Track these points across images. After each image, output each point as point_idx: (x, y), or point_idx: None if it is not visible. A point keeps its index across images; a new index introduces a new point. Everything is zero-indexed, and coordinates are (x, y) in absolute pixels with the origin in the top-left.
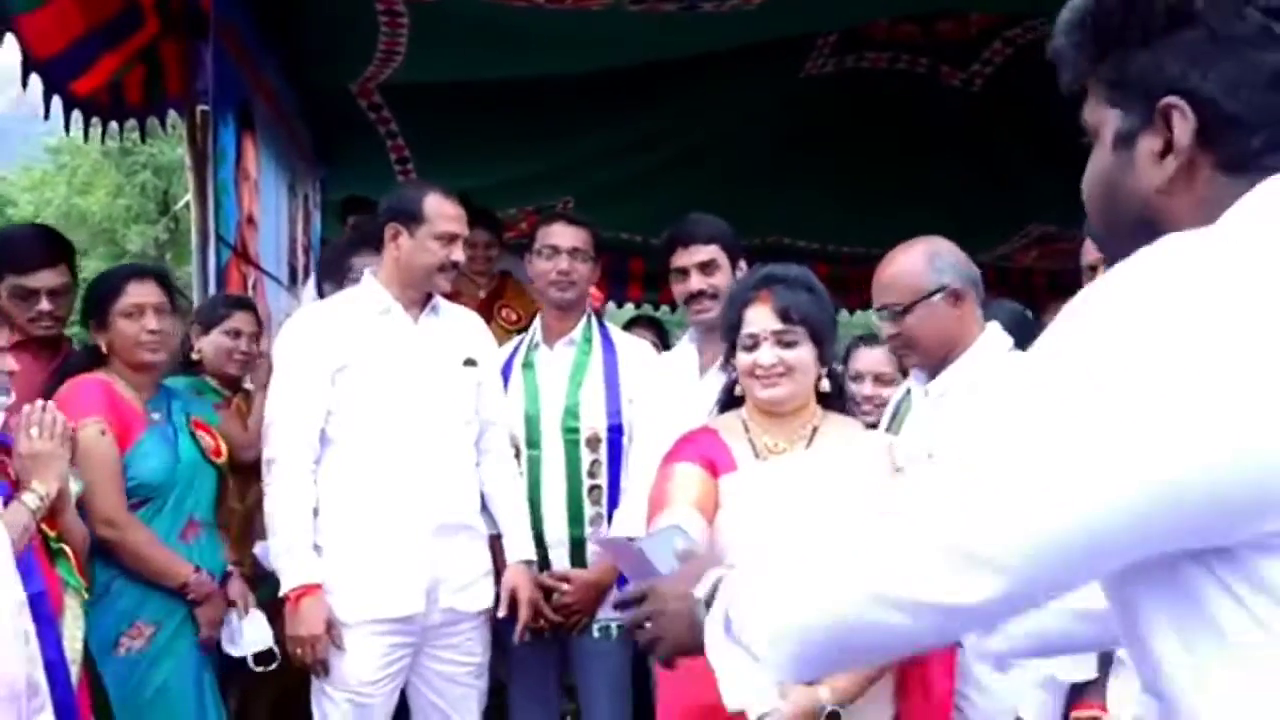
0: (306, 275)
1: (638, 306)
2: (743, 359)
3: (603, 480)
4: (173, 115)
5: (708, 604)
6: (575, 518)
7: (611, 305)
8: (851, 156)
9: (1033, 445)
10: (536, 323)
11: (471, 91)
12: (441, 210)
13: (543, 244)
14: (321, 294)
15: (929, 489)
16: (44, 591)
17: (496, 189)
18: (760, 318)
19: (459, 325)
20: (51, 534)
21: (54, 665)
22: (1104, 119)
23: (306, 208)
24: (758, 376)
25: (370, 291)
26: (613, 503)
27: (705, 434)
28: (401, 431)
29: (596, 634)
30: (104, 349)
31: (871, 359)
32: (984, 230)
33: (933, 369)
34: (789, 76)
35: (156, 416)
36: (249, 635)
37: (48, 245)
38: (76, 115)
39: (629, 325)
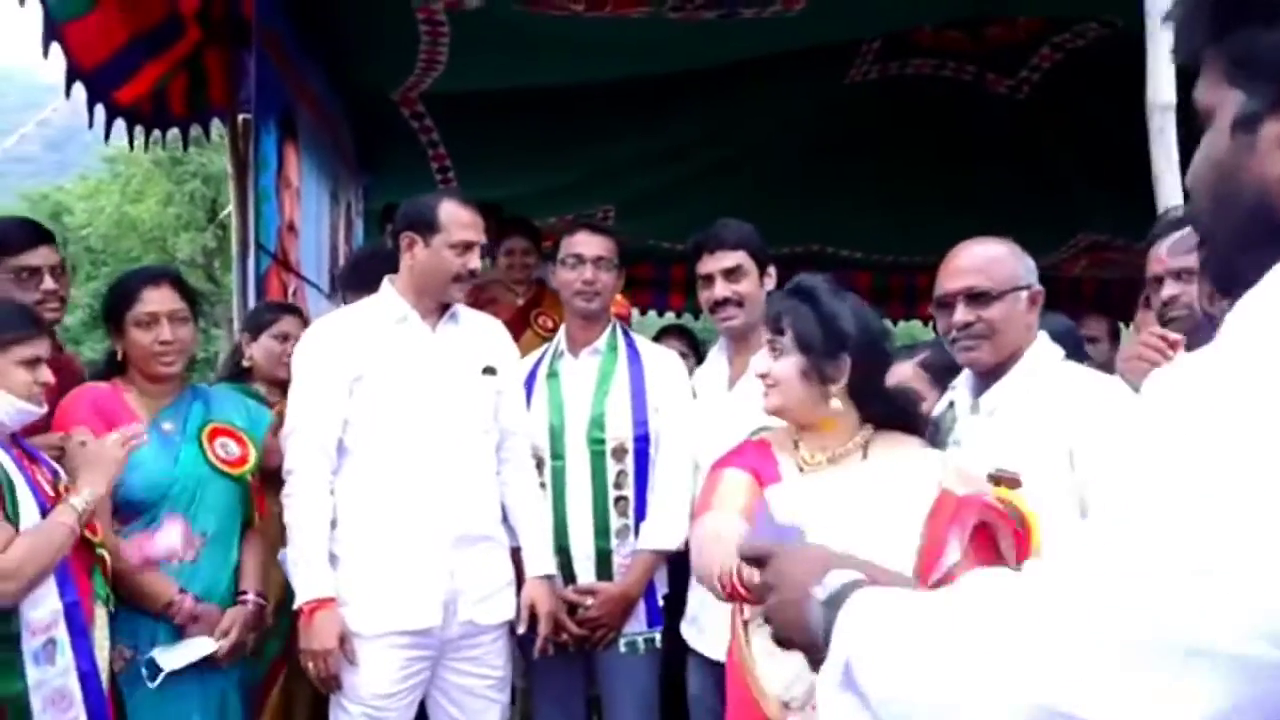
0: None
1: (679, 315)
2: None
3: (629, 491)
4: (217, 124)
5: (828, 606)
6: (601, 530)
7: (653, 314)
8: (894, 164)
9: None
10: (561, 332)
11: (511, 100)
12: (457, 218)
13: (567, 253)
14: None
15: (1110, 565)
16: (78, 601)
17: (536, 197)
18: (765, 327)
19: (478, 333)
20: (95, 539)
21: (87, 676)
22: (1222, 99)
23: (349, 215)
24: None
25: (387, 300)
26: (639, 514)
27: (758, 445)
28: (418, 441)
29: (623, 649)
30: (119, 356)
31: (899, 374)
32: (1031, 239)
33: (985, 375)
34: (832, 83)
35: (168, 426)
36: (179, 653)
37: (34, 226)
38: (118, 125)
39: (660, 335)
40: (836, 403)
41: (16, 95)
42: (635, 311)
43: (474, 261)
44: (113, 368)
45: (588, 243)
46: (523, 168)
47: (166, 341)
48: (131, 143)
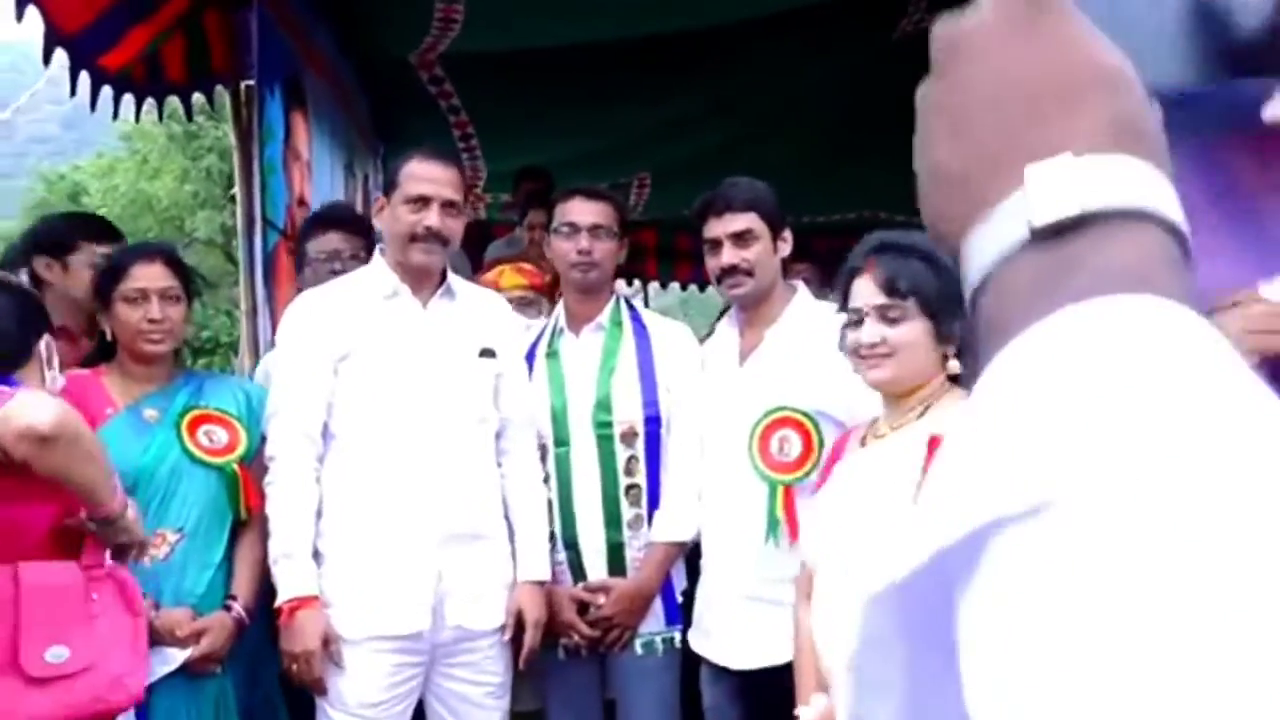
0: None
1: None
2: (848, 337)
3: (641, 478)
4: (223, 93)
5: None
6: (612, 520)
7: (694, 289)
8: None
9: None
10: (559, 308)
11: (536, 61)
12: (414, 171)
13: (560, 221)
14: None
15: None
16: None
17: (567, 164)
18: (864, 290)
19: (476, 310)
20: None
21: None
22: None
23: (366, 189)
24: (862, 357)
25: (378, 273)
26: (653, 503)
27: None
28: (406, 428)
29: (640, 650)
30: (110, 336)
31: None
32: None
33: None
34: (881, 36)
35: (151, 413)
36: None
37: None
38: (127, 101)
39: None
40: (955, 364)
41: (34, 72)
42: (676, 286)
43: (432, 218)
44: (103, 350)
45: (582, 209)
46: (551, 133)
47: (155, 320)
48: (138, 114)
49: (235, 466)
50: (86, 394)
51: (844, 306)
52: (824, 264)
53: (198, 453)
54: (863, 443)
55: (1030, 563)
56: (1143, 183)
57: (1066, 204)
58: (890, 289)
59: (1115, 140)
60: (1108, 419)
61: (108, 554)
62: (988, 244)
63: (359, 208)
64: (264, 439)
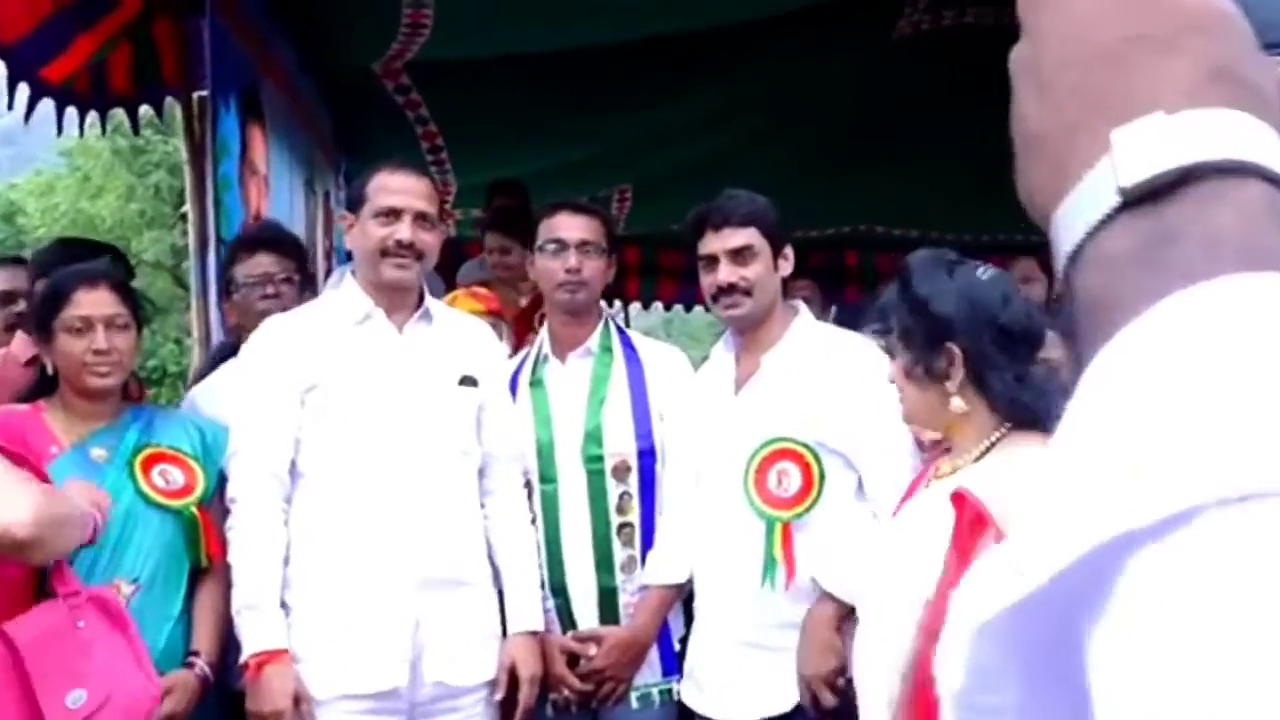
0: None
1: (708, 310)
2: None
3: (634, 516)
4: (174, 105)
5: None
6: (604, 563)
7: (679, 309)
8: (953, 130)
9: None
10: (543, 333)
11: (510, 68)
12: (383, 183)
13: (546, 238)
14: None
15: None
16: None
17: (542, 177)
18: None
19: (456, 336)
20: None
21: None
22: None
23: (327, 206)
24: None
25: (349, 295)
26: (647, 542)
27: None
28: (381, 464)
29: (636, 703)
30: (50, 369)
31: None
32: None
33: None
34: (878, 37)
35: (99, 452)
36: None
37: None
38: (67, 113)
39: None
40: (958, 402)
41: None
42: (659, 305)
43: (403, 231)
44: (43, 385)
45: (570, 224)
46: (526, 144)
47: (100, 351)
48: (81, 128)
49: (194, 509)
50: (26, 432)
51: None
52: (818, 280)
53: (153, 495)
54: (926, 484)
55: (1193, 583)
56: (1244, 135)
57: (1158, 162)
58: (883, 321)
59: (1212, 91)
60: (1260, 418)
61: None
62: (1077, 213)
63: (319, 226)
64: (223, 479)
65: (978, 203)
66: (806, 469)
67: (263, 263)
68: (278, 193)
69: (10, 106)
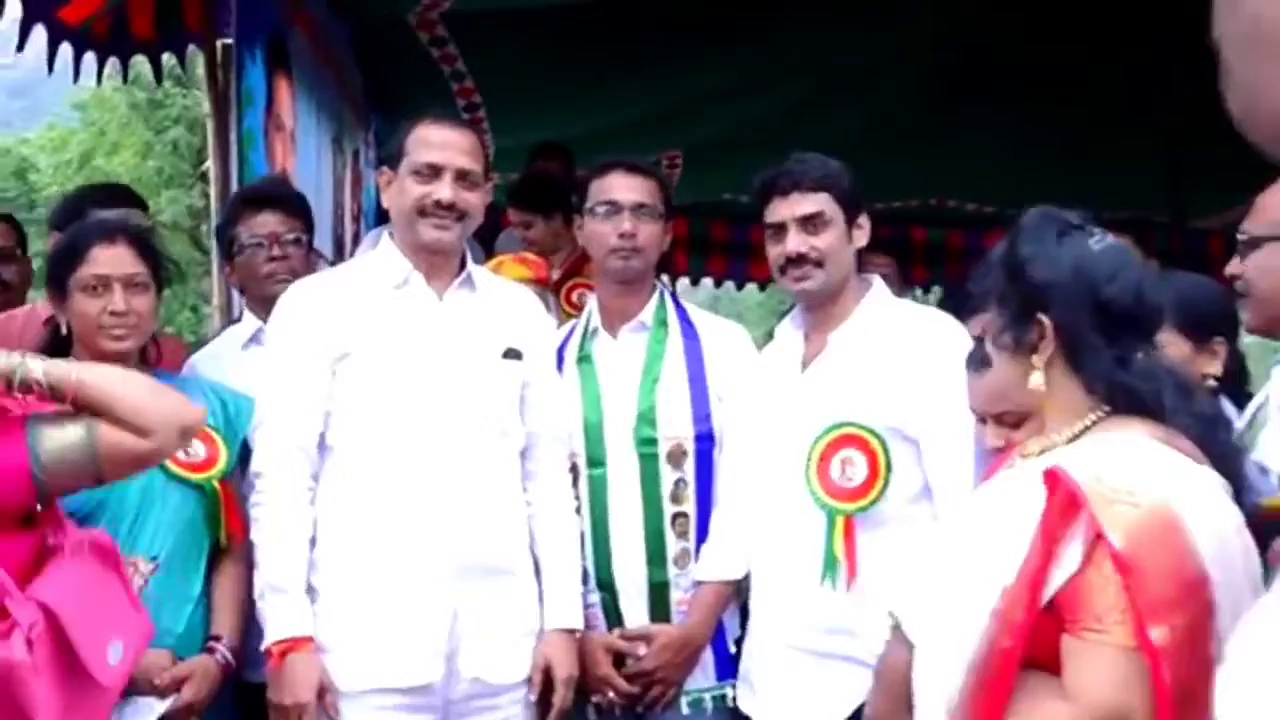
0: (356, 247)
1: (763, 287)
2: None
3: (689, 506)
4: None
5: None
6: (655, 556)
7: (730, 286)
8: (1035, 96)
9: None
10: (591, 304)
11: (554, 20)
12: (422, 137)
13: (597, 200)
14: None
15: None
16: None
17: (585, 141)
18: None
19: (501, 304)
20: None
21: None
22: None
23: (356, 167)
24: None
25: (385, 258)
26: (702, 534)
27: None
28: (416, 440)
29: (687, 709)
30: (65, 329)
31: None
32: (1215, 188)
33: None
34: None
35: None
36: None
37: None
38: (84, 59)
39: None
40: (1038, 378)
41: None
42: (709, 281)
43: (443, 190)
44: (55, 345)
45: (624, 185)
46: (568, 104)
47: (118, 312)
48: (99, 77)
49: (216, 484)
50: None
51: None
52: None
53: (174, 468)
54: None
55: None
56: None
57: None
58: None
59: None
60: None
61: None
62: None
63: (347, 187)
64: (245, 452)
65: (1050, 172)
66: (873, 457)
67: (268, 222)
68: (304, 149)
69: (20, 48)
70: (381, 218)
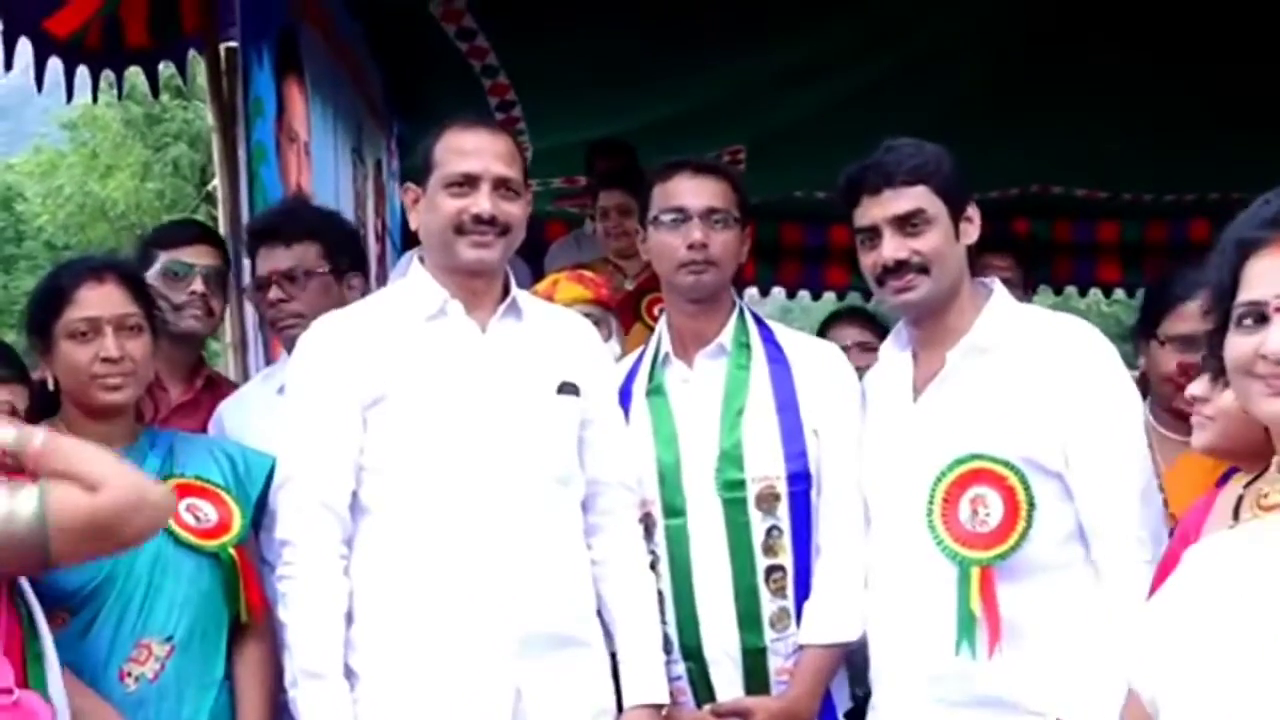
0: (383, 270)
1: (841, 296)
2: (1239, 345)
3: (786, 558)
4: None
5: None
6: (748, 617)
7: (805, 295)
8: (1142, 66)
9: None
10: (661, 328)
11: (595, 6)
12: (453, 144)
13: (663, 206)
14: None
15: None
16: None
17: (636, 138)
18: (1275, 275)
19: (552, 331)
20: None
21: None
22: None
23: (379, 179)
24: (1258, 376)
25: (417, 286)
26: (802, 590)
27: (1208, 497)
28: (462, 496)
29: None
30: (51, 384)
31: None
32: None
33: None
34: None
35: None
36: None
37: (198, 225)
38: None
39: (828, 327)
40: None
41: None
42: (780, 292)
43: (480, 203)
44: (43, 404)
45: (692, 189)
46: (615, 99)
47: (110, 359)
48: (94, 93)
49: (232, 550)
50: None
51: (1225, 300)
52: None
53: (185, 535)
54: (1235, 514)
55: None
56: None
57: None
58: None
59: None
60: None
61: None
62: None
63: (369, 203)
64: (258, 513)
65: (1166, 154)
66: (1010, 495)
67: (270, 257)
68: (320, 163)
69: (8, 66)
70: (408, 236)
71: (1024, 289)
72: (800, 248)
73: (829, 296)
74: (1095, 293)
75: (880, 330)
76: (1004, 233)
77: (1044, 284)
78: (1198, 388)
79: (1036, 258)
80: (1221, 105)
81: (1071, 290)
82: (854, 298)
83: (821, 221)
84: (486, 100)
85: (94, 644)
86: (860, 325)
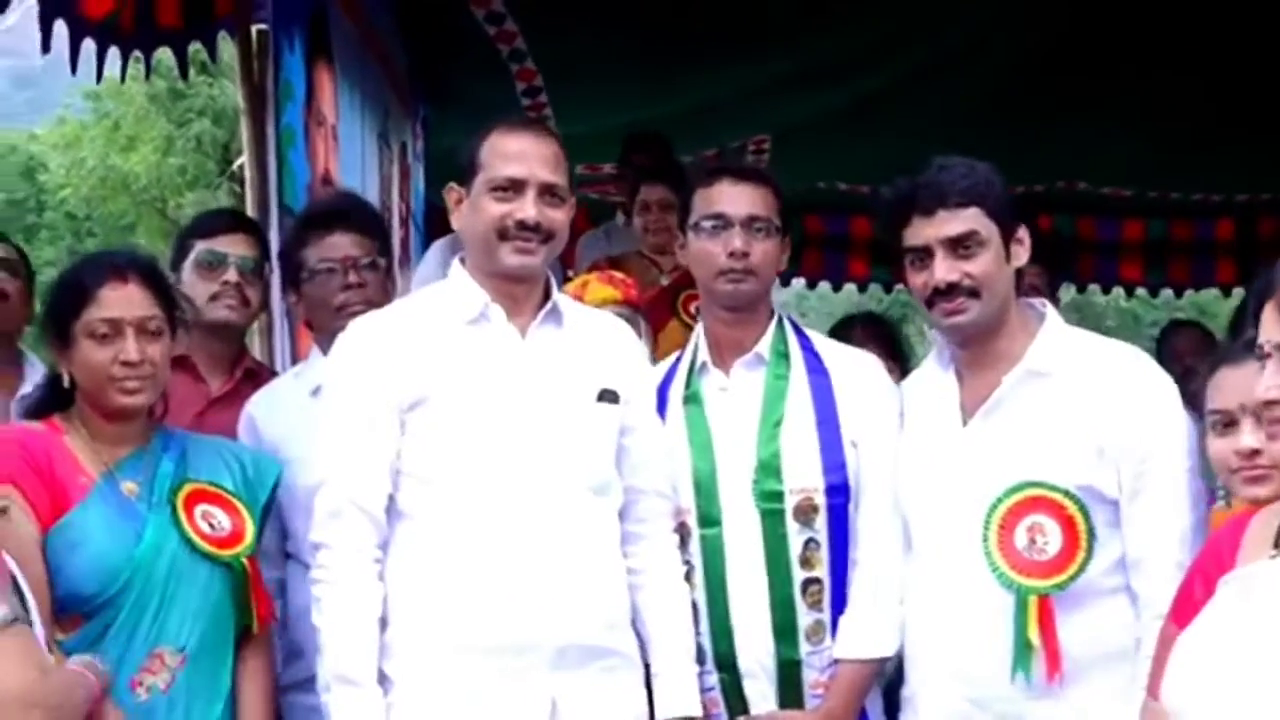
0: (406, 255)
1: (863, 288)
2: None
3: (823, 570)
4: (227, 41)
5: None
6: (785, 630)
7: (825, 286)
8: (1172, 65)
9: None
10: (697, 334)
11: None
12: (499, 147)
13: (703, 213)
14: None
15: None
16: None
17: (662, 126)
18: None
19: (592, 337)
20: None
21: None
22: None
23: (404, 161)
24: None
25: (458, 289)
26: (838, 604)
27: (1235, 523)
28: (500, 503)
29: None
30: (66, 381)
31: (1238, 383)
32: None
33: None
34: None
35: (130, 486)
36: None
37: (237, 215)
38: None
39: (839, 330)
40: None
41: None
42: (802, 282)
43: (526, 209)
44: (55, 398)
45: (733, 196)
46: (643, 86)
47: (131, 362)
48: (124, 73)
49: (245, 560)
50: (53, 457)
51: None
52: None
53: (201, 544)
54: (1276, 543)
55: None
56: None
57: None
58: None
59: None
60: None
61: None
62: None
63: (395, 187)
64: (264, 519)
65: (1192, 152)
66: (1069, 523)
67: (341, 244)
68: (348, 147)
69: (46, 49)
70: (432, 221)
71: (1051, 295)
72: (822, 237)
73: (850, 288)
74: (1116, 290)
75: (890, 339)
76: (1033, 242)
77: (1067, 281)
78: (1252, 440)
79: (1061, 256)
80: (1249, 105)
81: (1093, 287)
82: (874, 289)
83: (843, 212)
84: (514, 85)
85: (107, 652)
86: (867, 334)
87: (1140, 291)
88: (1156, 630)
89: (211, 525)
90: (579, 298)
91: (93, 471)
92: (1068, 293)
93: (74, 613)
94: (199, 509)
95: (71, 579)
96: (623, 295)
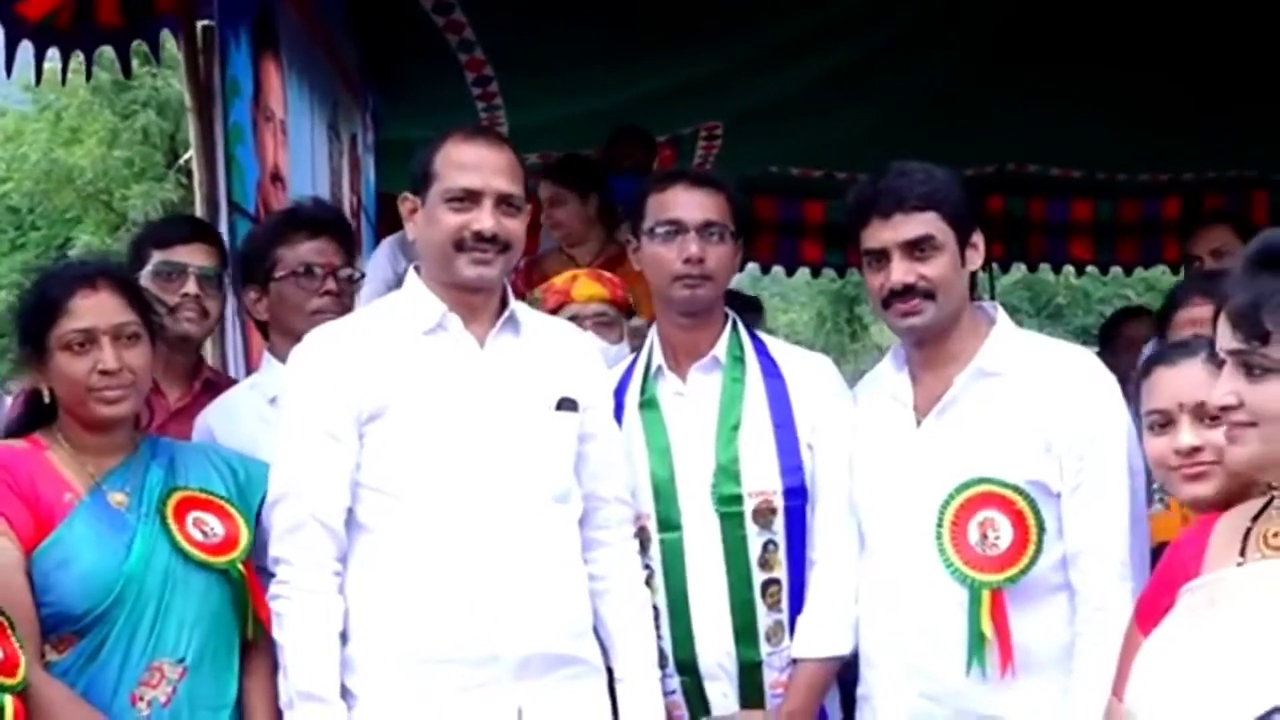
0: (359, 248)
1: (816, 273)
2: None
3: (781, 572)
4: (170, 39)
5: None
6: (745, 631)
7: (779, 271)
8: (1122, 47)
9: None
10: (652, 338)
11: None
12: (454, 156)
13: (658, 219)
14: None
15: None
16: None
17: (615, 113)
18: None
19: (550, 345)
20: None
21: None
22: None
23: (354, 154)
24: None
25: (415, 299)
26: (797, 605)
27: (1200, 526)
28: (460, 514)
29: None
30: (46, 396)
31: (1175, 382)
32: None
33: None
34: None
35: (118, 498)
36: None
37: (196, 222)
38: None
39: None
40: None
41: None
42: (755, 267)
43: (483, 220)
44: (36, 415)
45: (689, 201)
46: (594, 73)
47: (109, 371)
48: (64, 75)
49: (241, 567)
50: (35, 477)
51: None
52: None
53: (194, 552)
54: (1242, 551)
55: None
56: None
57: None
58: (1251, 327)
59: None
60: None
61: None
62: None
63: (345, 180)
64: (260, 523)
65: (1142, 134)
66: (1019, 518)
67: (326, 250)
68: (297, 141)
69: None
70: (382, 213)
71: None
72: (775, 222)
73: (803, 272)
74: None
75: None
76: (980, 208)
77: (1018, 261)
78: (1192, 437)
79: (1012, 235)
80: (1196, 86)
81: (1044, 266)
82: (828, 273)
83: (796, 196)
84: (464, 75)
85: (104, 668)
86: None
87: (1090, 269)
88: (1095, 622)
89: (204, 532)
90: (567, 291)
91: (79, 486)
92: (1018, 271)
93: (67, 631)
94: (190, 516)
95: (62, 598)
96: (610, 294)
